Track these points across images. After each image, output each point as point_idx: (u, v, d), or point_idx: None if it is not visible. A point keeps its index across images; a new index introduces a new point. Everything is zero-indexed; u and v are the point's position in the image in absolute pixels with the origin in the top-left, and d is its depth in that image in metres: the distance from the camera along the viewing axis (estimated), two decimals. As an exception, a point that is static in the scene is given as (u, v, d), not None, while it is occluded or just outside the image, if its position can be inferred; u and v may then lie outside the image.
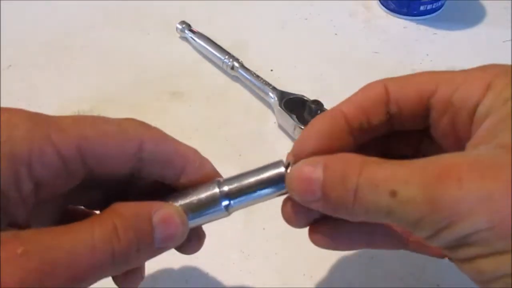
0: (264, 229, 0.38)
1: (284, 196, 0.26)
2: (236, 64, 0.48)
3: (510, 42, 0.52)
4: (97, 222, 0.22)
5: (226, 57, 0.49)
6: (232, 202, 0.26)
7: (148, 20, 0.56)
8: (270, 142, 0.44)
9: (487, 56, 0.51)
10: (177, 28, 0.53)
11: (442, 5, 0.56)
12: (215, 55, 0.50)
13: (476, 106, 0.22)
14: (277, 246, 0.37)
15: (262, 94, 0.46)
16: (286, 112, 0.43)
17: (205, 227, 0.27)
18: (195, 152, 0.27)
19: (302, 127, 0.41)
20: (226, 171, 0.41)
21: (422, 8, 0.54)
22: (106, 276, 0.22)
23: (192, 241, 0.27)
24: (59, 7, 0.58)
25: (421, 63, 0.50)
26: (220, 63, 0.49)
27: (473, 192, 0.18)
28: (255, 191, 0.25)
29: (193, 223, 0.26)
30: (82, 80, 0.50)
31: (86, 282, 0.21)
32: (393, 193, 0.20)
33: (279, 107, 0.43)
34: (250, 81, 0.47)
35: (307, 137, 0.25)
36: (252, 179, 0.25)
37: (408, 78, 0.25)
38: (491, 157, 0.19)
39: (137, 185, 0.27)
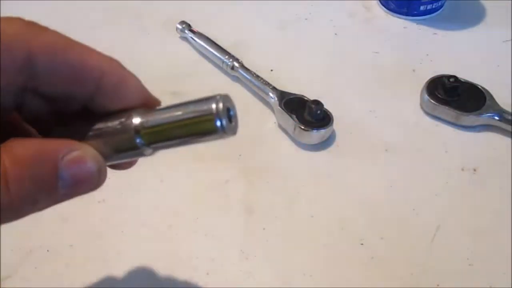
0: (264, 229, 0.38)
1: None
2: (236, 64, 0.48)
3: (510, 42, 0.52)
4: None
5: (226, 57, 0.49)
6: (152, 146, 0.21)
7: (148, 20, 0.56)
8: (270, 142, 0.44)
9: (487, 56, 0.51)
10: (177, 28, 0.53)
11: (442, 5, 0.56)
12: (215, 55, 0.49)
13: None
14: (277, 246, 0.37)
15: (262, 94, 0.46)
16: (286, 112, 0.43)
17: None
18: (114, 63, 0.22)
19: (302, 127, 0.41)
20: (226, 172, 0.42)
21: (422, 8, 0.54)
22: None
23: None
24: (59, 7, 0.58)
25: (421, 63, 0.50)
26: (220, 63, 0.49)
27: None
28: (179, 137, 0.21)
29: (113, 161, 0.22)
30: (82, 80, 0.50)
31: None
32: None
33: (279, 107, 0.43)
34: (250, 81, 0.47)
35: None
36: (177, 119, 0.21)
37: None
38: None
39: (38, 110, 0.22)
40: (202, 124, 0.20)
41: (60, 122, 0.23)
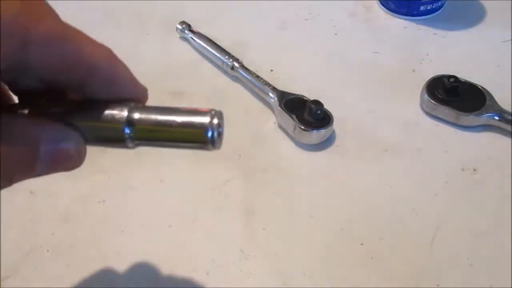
0: (264, 229, 0.38)
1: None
2: (236, 64, 0.48)
3: (510, 42, 0.52)
4: None
5: (226, 57, 0.49)
6: (137, 142, 0.22)
7: (148, 20, 0.56)
8: (270, 142, 0.44)
9: (487, 56, 0.51)
10: (177, 28, 0.53)
11: (442, 5, 0.56)
12: (215, 55, 0.49)
13: None
14: (277, 246, 0.37)
15: (262, 94, 0.46)
16: (286, 112, 0.43)
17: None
18: (107, 52, 0.22)
19: (302, 127, 0.41)
20: (226, 172, 0.42)
21: (422, 8, 0.54)
22: None
23: None
24: (59, 7, 0.58)
25: (421, 63, 0.50)
26: (220, 63, 0.49)
27: None
28: (168, 139, 0.22)
29: (93, 145, 0.23)
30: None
31: None
32: None
33: (279, 107, 0.43)
34: (250, 81, 0.47)
35: None
36: (173, 124, 0.22)
37: None
38: None
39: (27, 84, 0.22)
40: (195, 134, 0.21)
41: (53, 99, 0.23)
